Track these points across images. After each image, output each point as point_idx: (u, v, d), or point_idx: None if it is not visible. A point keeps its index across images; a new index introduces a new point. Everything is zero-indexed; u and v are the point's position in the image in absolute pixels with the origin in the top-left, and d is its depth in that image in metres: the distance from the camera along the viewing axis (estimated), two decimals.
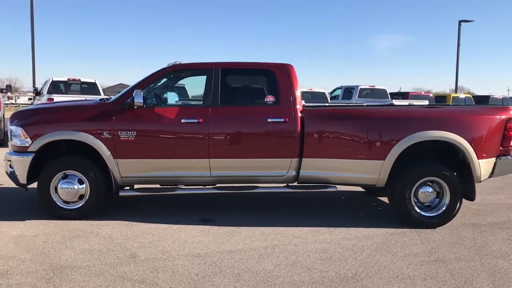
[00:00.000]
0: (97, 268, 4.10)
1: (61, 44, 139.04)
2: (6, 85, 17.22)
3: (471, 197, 5.72)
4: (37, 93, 16.36)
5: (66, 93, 15.04)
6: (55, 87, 15.12)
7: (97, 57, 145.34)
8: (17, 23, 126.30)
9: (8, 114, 21.08)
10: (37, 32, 22.05)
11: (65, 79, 15.33)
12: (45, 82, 15.92)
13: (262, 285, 3.80)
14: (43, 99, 13.74)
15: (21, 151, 5.58)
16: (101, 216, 5.73)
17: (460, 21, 30.17)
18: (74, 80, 15.37)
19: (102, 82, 15.71)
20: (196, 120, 5.59)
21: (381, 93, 20.11)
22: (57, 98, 12.65)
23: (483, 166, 5.59)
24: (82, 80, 15.47)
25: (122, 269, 4.09)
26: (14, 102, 47.56)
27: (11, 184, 5.91)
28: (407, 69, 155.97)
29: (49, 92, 14.40)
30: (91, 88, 15.32)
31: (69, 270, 4.04)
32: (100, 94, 14.81)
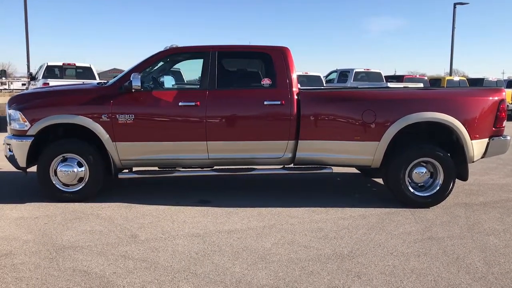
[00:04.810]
0: (98, 248, 4.19)
1: (54, 29, 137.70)
2: (1, 71, 17.10)
3: (464, 177, 5.83)
4: (32, 78, 16.29)
5: (61, 77, 14.98)
6: (50, 71, 15.04)
7: (90, 42, 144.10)
8: (7, 6, 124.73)
9: (1, 100, 21.00)
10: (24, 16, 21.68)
11: (60, 63, 15.25)
12: (40, 67, 15.82)
13: (261, 263, 3.91)
14: (39, 83, 13.69)
15: (20, 134, 5.63)
16: (101, 199, 5.81)
17: (455, 4, 29.96)
18: (69, 64, 15.30)
19: (96, 67, 15.61)
20: (193, 103, 5.64)
21: (376, 76, 20.10)
22: (53, 82, 12.63)
23: (476, 147, 5.68)
24: (77, 64, 15.40)
25: (123, 249, 4.18)
26: (7, 88, 47.20)
27: (10, 167, 5.97)
28: (402, 52, 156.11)
29: (44, 77, 14.34)
30: (86, 72, 15.25)
31: (71, 250, 4.13)
32: (95, 79, 14.78)
